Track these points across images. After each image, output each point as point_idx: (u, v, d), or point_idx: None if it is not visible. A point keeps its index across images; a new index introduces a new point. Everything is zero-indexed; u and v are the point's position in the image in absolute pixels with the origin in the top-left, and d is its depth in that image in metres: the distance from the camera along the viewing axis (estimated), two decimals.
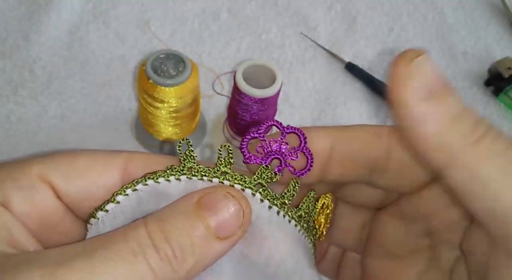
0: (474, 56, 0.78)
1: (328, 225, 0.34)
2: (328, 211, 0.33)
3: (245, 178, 0.29)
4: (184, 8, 0.79)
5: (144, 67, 0.54)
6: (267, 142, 0.31)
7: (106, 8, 0.77)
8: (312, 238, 0.32)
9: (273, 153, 0.31)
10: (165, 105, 0.55)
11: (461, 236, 0.30)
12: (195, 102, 0.58)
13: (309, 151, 0.31)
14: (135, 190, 0.29)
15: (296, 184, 0.30)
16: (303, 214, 0.30)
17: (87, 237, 0.29)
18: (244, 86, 0.53)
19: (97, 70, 0.70)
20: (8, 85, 0.67)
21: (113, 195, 0.29)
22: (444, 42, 0.79)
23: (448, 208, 0.30)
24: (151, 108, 0.56)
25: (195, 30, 0.77)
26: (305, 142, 0.31)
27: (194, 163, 0.29)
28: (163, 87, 0.54)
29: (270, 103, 0.55)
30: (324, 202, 0.32)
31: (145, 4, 0.78)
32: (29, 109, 0.66)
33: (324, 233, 0.33)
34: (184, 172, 0.29)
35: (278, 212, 0.29)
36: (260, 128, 0.31)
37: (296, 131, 0.31)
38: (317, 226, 0.32)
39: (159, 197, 0.28)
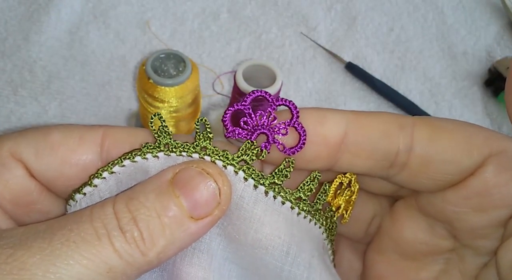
0: (474, 56, 0.78)
1: (350, 207, 0.31)
2: (348, 192, 0.30)
3: (227, 154, 0.27)
4: (184, 8, 0.79)
5: (144, 67, 0.54)
6: (253, 115, 0.27)
7: (106, 8, 0.77)
8: (326, 222, 0.29)
9: (259, 127, 0.27)
10: (165, 105, 0.55)
11: (494, 242, 0.27)
12: (195, 102, 0.58)
13: (302, 126, 0.27)
14: (112, 172, 0.27)
15: (290, 163, 0.27)
16: (302, 196, 0.28)
17: None
18: (244, 86, 0.53)
19: (97, 70, 0.70)
20: (8, 85, 0.67)
21: (90, 178, 0.27)
22: (444, 42, 0.79)
23: (477, 213, 0.27)
24: (151, 108, 0.56)
25: (195, 30, 0.77)
26: (297, 117, 0.27)
27: (170, 139, 0.27)
28: (163, 87, 0.54)
29: None
30: (342, 182, 0.30)
31: (145, 4, 0.78)
32: (29, 109, 0.66)
33: (347, 215, 0.30)
34: (161, 148, 0.27)
35: (266, 192, 0.27)
36: (246, 98, 0.28)
37: (288, 104, 0.28)
38: (333, 208, 0.30)
39: (138, 177, 0.27)
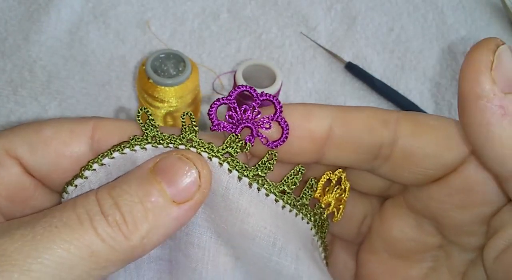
0: None
1: (341, 205, 0.31)
2: (338, 190, 0.31)
3: (212, 146, 0.28)
4: (184, 8, 0.79)
5: (144, 67, 0.54)
6: (238, 109, 0.29)
7: (106, 8, 0.77)
8: (314, 218, 0.30)
9: (244, 121, 0.28)
10: (165, 104, 0.55)
11: (479, 239, 0.28)
12: (195, 102, 0.58)
13: (285, 120, 0.28)
14: (102, 164, 0.28)
15: (273, 156, 0.28)
16: (287, 189, 0.29)
17: None
18: None
19: (97, 70, 0.70)
20: (8, 85, 0.67)
21: (81, 170, 0.28)
22: (444, 42, 0.79)
23: (460, 209, 0.27)
24: (151, 108, 0.56)
25: (195, 30, 0.77)
26: (281, 111, 0.28)
27: (157, 131, 0.28)
28: (163, 87, 0.54)
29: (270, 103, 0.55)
30: (330, 179, 0.30)
31: (145, 4, 0.78)
32: (29, 109, 0.66)
33: (338, 214, 0.31)
34: (149, 140, 0.28)
35: (250, 184, 0.28)
36: (231, 93, 0.29)
37: (271, 99, 0.29)
38: (323, 205, 0.30)
39: (127, 169, 0.27)
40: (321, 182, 0.30)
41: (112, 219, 0.23)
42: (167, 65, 0.55)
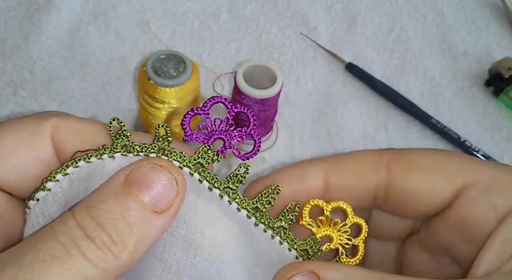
0: (474, 56, 0.78)
1: (358, 245, 0.30)
2: (344, 226, 0.30)
3: (184, 156, 0.27)
4: (184, 8, 0.79)
5: (144, 68, 0.54)
6: (211, 120, 0.29)
7: (106, 8, 0.77)
8: (300, 246, 0.29)
9: (217, 132, 0.29)
10: (166, 105, 0.55)
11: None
12: (195, 103, 0.58)
13: (257, 134, 0.29)
14: (66, 174, 0.27)
15: (246, 169, 0.28)
16: (259, 207, 0.28)
17: (25, 229, 0.27)
18: (244, 87, 0.53)
19: (97, 71, 0.70)
20: (8, 86, 0.67)
21: (42, 182, 0.27)
22: (444, 42, 0.79)
23: (466, 241, 0.28)
24: (152, 109, 0.56)
25: (195, 30, 0.77)
26: (254, 124, 0.29)
27: (128, 141, 0.27)
28: (163, 88, 0.54)
29: (270, 104, 0.55)
30: (324, 210, 0.30)
31: (145, 4, 0.78)
32: (29, 109, 0.66)
33: (358, 254, 0.30)
34: (118, 150, 0.27)
35: (221, 196, 0.27)
36: (206, 104, 0.29)
37: (245, 111, 0.29)
38: (317, 237, 0.30)
39: (93, 178, 0.27)
40: (305, 208, 0.30)
41: (100, 241, 0.23)
42: (168, 66, 0.55)
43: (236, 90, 0.55)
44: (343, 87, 0.73)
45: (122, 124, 0.28)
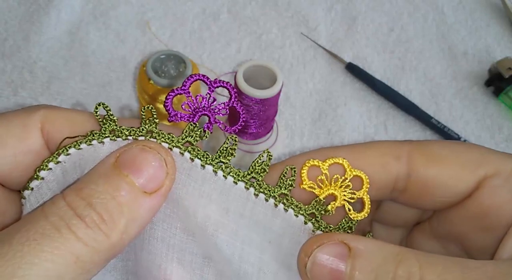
0: (474, 56, 0.78)
1: (364, 198, 0.29)
2: (346, 181, 0.29)
3: (172, 136, 0.28)
4: (184, 8, 0.79)
5: (144, 68, 0.54)
6: (193, 98, 0.29)
7: (106, 8, 0.77)
8: (306, 211, 0.29)
9: (200, 109, 0.29)
10: None
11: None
12: None
13: (240, 105, 0.29)
14: (58, 162, 0.27)
15: (234, 141, 0.28)
16: (255, 176, 0.28)
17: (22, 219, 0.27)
18: (245, 87, 0.53)
19: (97, 71, 0.70)
20: (8, 86, 0.67)
21: (35, 171, 0.27)
22: (444, 42, 0.79)
23: (481, 232, 0.28)
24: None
25: (195, 30, 0.77)
26: (235, 97, 0.29)
27: (115, 125, 0.27)
28: (163, 88, 0.54)
29: (270, 104, 0.55)
30: (323, 170, 0.29)
31: (145, 5, 0.78)
32: None
33: (366, 208, 0.29)
34: (107, 134, 0.27)
35: (215, 172, 0.28)
36: (185, 83, 0.29)
37: (225, 85, 0.29)
38: (321, 198, 0.29)
39: (82, 164, 0.27)
40: (303, 170, 0.29)
41: (90, 220, 0.23)
42: (168, 66, 0.55)
43: (237, 90, 0.55)
44: (343, 87, 0.73)
45: (108, 108, 0.28)
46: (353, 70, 0.73)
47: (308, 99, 0.71)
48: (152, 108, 0.28)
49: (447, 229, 0.30)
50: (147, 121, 0.28)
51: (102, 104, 0.28)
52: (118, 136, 0.27)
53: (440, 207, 0.30)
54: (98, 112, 0.28)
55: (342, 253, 0.25)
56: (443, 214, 0.30)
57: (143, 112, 0.28)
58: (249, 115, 0.56)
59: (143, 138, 0.27)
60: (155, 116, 0.28)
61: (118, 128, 0.27)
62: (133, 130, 0.27)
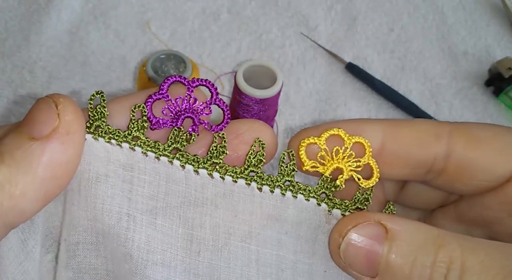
0: (474, 56, 0.78)
1: (372, 165, 0.28)
2: (346, 151, 0.28)
3: (158, 145, 0.26)
4: (184, 8, 0.79)
5: (144, 68, 0.54)
6: (173, 101, 0.27)
7: (106, 8, 0.77)
8: (316, 192, 0.27)
9: (183, 112, 0.27)
10: None
11: None
12: None
13: (223, 102, 0.27)
14: None
15: (223, 138, 0.27)
16: (253, 169, 0.27)
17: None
18: (244, 87, 0.53)
19: (97, 71, 0.70)
20: (8, 86, 0.67)
21: None
22: (444, 42, 0.79)
23: None
24: None
25: (195, 30, 0.77)
26: (217, 93, 0.27)
27: (104, 121, 0.26)
28: None
29: (270, 104, 0.55)
30: (319, 145, 0.28)
31: (145, 5, 0.78)
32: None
33: (374, 175, 0.28)
34: (91, 130, 0.26)
35: (210, 175, 0.26)
36: (162, 87, 0.27)
37: (204, 83, 0.27)
38: (327, 174, 0.28)
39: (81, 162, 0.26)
40: (301, 151, 0.28)
41: None
42: (168, 65, 0.55)
43: (236, 90, 0.55)
44: (343, 87, 0.73)
45: (103, 98, 0.26)
46: (353, 70, 0.73)
47: (308, 99, 0.71)
48: (143, 107, 0.26)
49: (478, 214, 0.29)
50: (134, 125, 0.26)
51: (101, 92, 0.26)
52: (101, 136, 0.26)
53: (475, 191, 0.28)
54: (93, 102, 0.26)
55: (378, 234, 0.24)
56: (475, 198, 0.29)
57: (133, 111, 0.26)
58: (249, 115, 0.56)
59: (127, 144, 0.26)
60: (145, 118, 0.26)
61: (104, 126, 0.26)
62: (118, 133, 0.26)
